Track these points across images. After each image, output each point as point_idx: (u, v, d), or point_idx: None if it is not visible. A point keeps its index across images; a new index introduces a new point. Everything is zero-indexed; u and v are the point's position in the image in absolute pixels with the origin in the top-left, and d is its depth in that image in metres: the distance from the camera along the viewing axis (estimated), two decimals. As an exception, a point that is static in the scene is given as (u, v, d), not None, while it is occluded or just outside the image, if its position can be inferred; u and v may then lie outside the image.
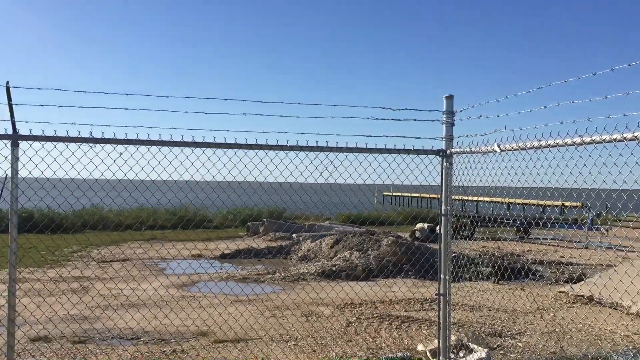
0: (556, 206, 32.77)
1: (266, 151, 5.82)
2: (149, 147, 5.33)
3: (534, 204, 31.36)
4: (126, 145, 5.32)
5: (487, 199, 19.38)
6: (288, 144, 5.78)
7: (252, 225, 23.33)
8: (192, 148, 5.51)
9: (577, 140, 4.24)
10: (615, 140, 3.94)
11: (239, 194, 6.37)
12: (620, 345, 7.78)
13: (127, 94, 5.46)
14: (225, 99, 5.77)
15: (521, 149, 4.98)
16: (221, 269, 14.42)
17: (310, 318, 9.15)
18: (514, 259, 16.12)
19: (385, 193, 57.53)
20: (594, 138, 4.09)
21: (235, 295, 10.14)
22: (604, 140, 4.02)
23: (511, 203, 32.21)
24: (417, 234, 21.94)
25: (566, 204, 30.95)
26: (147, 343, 7.57)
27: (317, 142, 5.77)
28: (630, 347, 7.68)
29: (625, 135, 3.83)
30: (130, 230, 21.18)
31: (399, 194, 55.30)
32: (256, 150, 5.79)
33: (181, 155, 5.49)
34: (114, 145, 5.25)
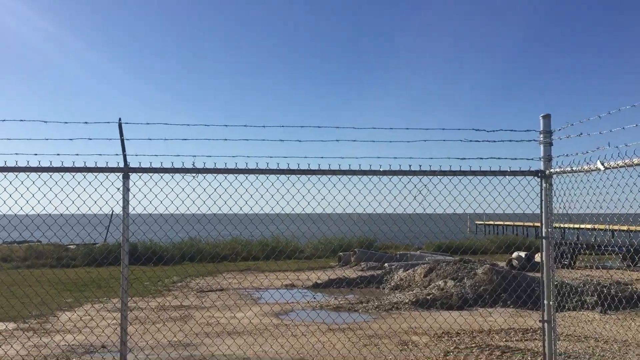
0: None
1: (359, 177, 5.88)
2: (246, 175, 5.56)
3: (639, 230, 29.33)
4: (225, 175, 5.58)
5: (589, 225, 18.39)
6: (381, 169, 5.83)
7: (343, 255, 23.40)
8: (287, 175, 5.68)
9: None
10: None
11: (328, 225, 6.46)
12: None
13: (226, 125, 5.74)
14: (319, 127, 5.93)
15: (627, 166, 4.74)
16: (314, 298, 14.52)
17: (405, 347, 8.99)
18: (622, 287, 15.11)
19: (477, 222, 55.99)
20: None
21: (328, 324, 10.17)
22: None
23: (615, 230, 30.35)
24: (514, 262, 21.12)
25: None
26: (246, 369, 7.72)
27: (410, 165, 5.78)
28: None
29: None
30: (225, 262, 21.88)
31: (492, 222, 53.56)
32: (349, 176, 5.87)
33: (270, 187, 5.66)
34: (215, 175, 5.52)
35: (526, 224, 44.25)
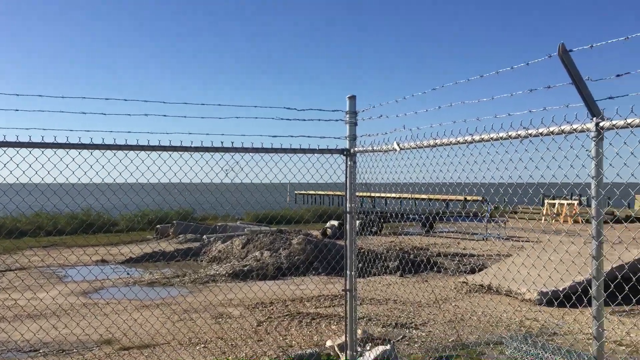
0: (459, 200, 34.43)
1: (170, 152, 5.71)
2: (42, 150, 5.09)
3: (438, 199, 32.66)
4: (30, 149, 5.07)
5: (394, 195, 20.04)
6: (192, 145, 5.71)
7: (160, 227, 22.73)
8: (90, 150, 5.32)
9: (468, 138, 4.49)
10: (501, 138, 4.20)
11: (141, 196, 6.19)
12: (514, 330, 8.30)
13: (17, 95, 5.17)
14: (125, 100, 5.61)
15: (419, 147, 5.20)
16: (127, 274, 13.93)
17: (220, 320, 9.07)
18: (419, 253, 16.75)
19: (297, 192, 57.89)
20: (482, 137, 4.34)
21: (141, 300, 9.86)
22: (491, 138, 4.28)
23: (417, 199, 33.36)
24: (328, 231, 22.27)
25: (468, 198, 32.59)
26: (47, 355, 7.21)
27: (222, 142, 5.73)
28: (523, 331, 8.21)
29: (510, 133, 4.10)
30: (25, 237, 19.97)
31: (311, 192, 55.77)
32: (159, 152, 5.67)
33: (79, 158, 5.27)
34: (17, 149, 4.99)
35: (338, 193, 46.74)
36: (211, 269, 14.29)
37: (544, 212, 32.81)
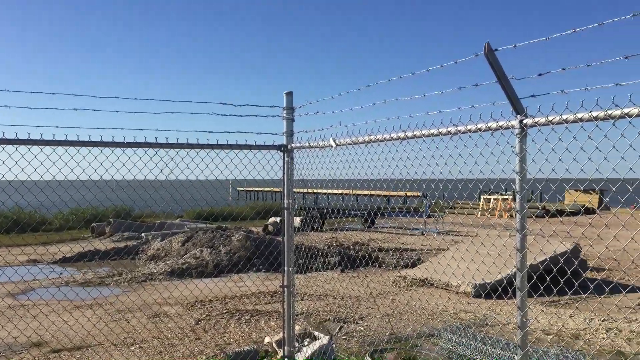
0: (400, 196, 35.05)
1: (101, 148, 5.54)
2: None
3: (380, 195, 33.14)
4: None
5: (336, 191, 20.17)
6: (125, 141, 5.56)
7: (97, 225, 22.04)
8: (15, 146, 5.10)
9: (401, 135, 4.57)
10: (432, 134, 4.30)
11: (70, 194, 5.96)
12: (449, 322, 8.52)
13: None
14: (53, 94, 5.41)
15: (354, 144, 5.25)
16: (61, 273, 13.44)
17: (156, 319, 8.88)
18: (359, 248, 16.94)
19: (239, 188, 57.41)
20: (415, 133, 4.43)
21: (71, 301, 9.54)
22: (423, 135, 4.37)
23: (359, 195, 33.74)
24: (270, 227, 22.21)
25: (409, 194, 33.22)
26: (-30, 360, 6.87)
27: (156, 138, 5.60)
28: (458, 323, 8.44)
29: (440, 130, 4.19)
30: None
31: (253, 189, 55.43)
32: (89, 148, 5.49)
33: (2, 154, 5.04)
34: None
35: (276, 189, 46.59)
36: (149, 267, 13.98)
37: (480, 207, 33.84)
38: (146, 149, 5.72)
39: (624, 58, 3.02)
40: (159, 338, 7.73)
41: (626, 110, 2.92)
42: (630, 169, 2.96)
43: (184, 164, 5.97)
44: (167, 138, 5.69)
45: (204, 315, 9.12)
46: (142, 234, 19.27)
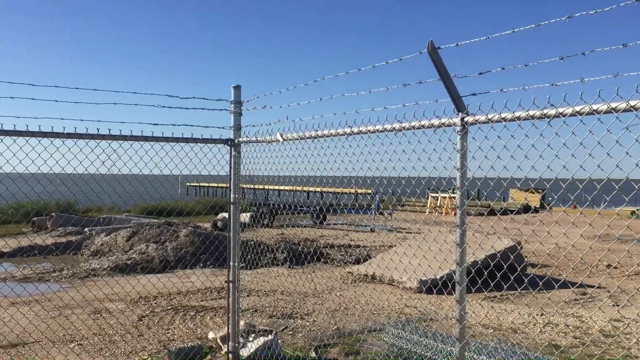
0: (351, 193, 35.30)
1: (39, 139, 5.34)
2: None
3: (330, 192, 33.26)
4: None
5: (287, 187, 20.12)
6: (65, 132, 5.38)
7: (37, 220, 21.29)
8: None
9: (347, 130, 4.59)
10: (378, 131, 4.33)
11: (6, 185, 5.72)
12: (394, 317, 8.64)
13: None
14: (-14, 80, 5.17)
15: (301, 139, 5.24)
16: (-3, 269, 12.92)
17: (99, 315, 8.66)
18: (308, 244, 16.98)
19: (188, 184, 56.57)
20: (360, 129, 4.45)
21: (10, 297, 9.19)
22: (369, 130, 4.40)
23: (310, 191, 33.76)
24: (219, 223, 21.99)
25: (359, 191, 33.48)
26: None
27: (98, 129, 5.45)
28: (403, 318, 8.56)
29: (385, 126, 4.23)
30: None
31: (203, 184, 54.75)
32: (27, 138, 5.29)
33: None
34: None
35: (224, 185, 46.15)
36: (92, 263, 13.61)
37: (429, 204, 34.46)
38: (87, 141, 5.56)
39: (559, 59, 3.12)
40: (99, 335, 7.53)
41: (561, 110, 3.02)
42: (564, 166, 3.05)
43: (128, 157, 5.83)
44: (109, 130, 5.55)
45: (147, 312, 8.94)
46: (86, 229, 18.75)
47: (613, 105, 2.75)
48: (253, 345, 6.11)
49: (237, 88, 6.12)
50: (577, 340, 7.61)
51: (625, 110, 2.72)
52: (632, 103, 2.67)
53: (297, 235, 20.37)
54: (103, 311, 8.93)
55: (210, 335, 7.04)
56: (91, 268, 12.79)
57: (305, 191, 32.92)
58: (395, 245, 14.35)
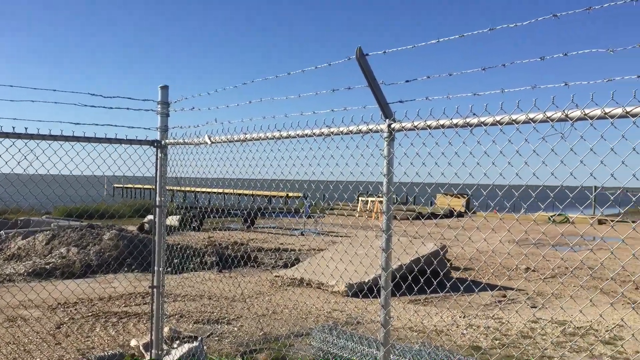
0: (281, 197, 35.24)
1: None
2: None
3: (261, 195, 33.08)
4: None
5: (217, 190, 19.84)
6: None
7: (-53, 222, 19.95)
8: None
9: (276, 134, 4.56)
10: (307, 135, 4.33)
11: None
12: (322, 321, 8.66)
13: None
14: None
15: (230, 142, 5.17)
16: None
17: (12, 323, 8.19)
18: (238, 248, 16.80)
19: (115, 185, 54.75)
20: (289, 133, 4.44)
21: None
22: (298, 135, 4.39)
23: (240, 194, 33.42)
24: (146, 226, 21.36)
25: (290, 194, 33.49)
26: None
27: (13, 128, 5.17)
28: (331, 322, 8.60)
29: (314, 131, 4.23)
30: None
31: (130, 185, 53.14)
32: None
33: None
34: None
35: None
36: (7, 268, 12.89)
37: (359, 208, 34.94)
38: (2, 139, 5.26)
39: (481, 69, 3.22)
40: (13, 344, 7.12)
41: (482, 119, 3.12)
42: (484, 174, 3.15)
43: (46, 157, 5.56)
44: (26, 128, 5.28)
45: (66, 319, 8.55)
46: (1, 232, 17.74)
47: (531, 115, 2.87)
48: (177, 352, 5.95)
49: (165, 88, 5.97)
50: (497, 341, 7.89)
51: (542, 121, 2.85)
52: (549, 114, 2.79)
53: (227, 238, 20.11)
54: (17, 319, 8.46)
55: (133, 342, 6.81)
56: (6, 273, 12.11)
57: (235, 194, 32.58)
58: (324, 249, 14.43)
